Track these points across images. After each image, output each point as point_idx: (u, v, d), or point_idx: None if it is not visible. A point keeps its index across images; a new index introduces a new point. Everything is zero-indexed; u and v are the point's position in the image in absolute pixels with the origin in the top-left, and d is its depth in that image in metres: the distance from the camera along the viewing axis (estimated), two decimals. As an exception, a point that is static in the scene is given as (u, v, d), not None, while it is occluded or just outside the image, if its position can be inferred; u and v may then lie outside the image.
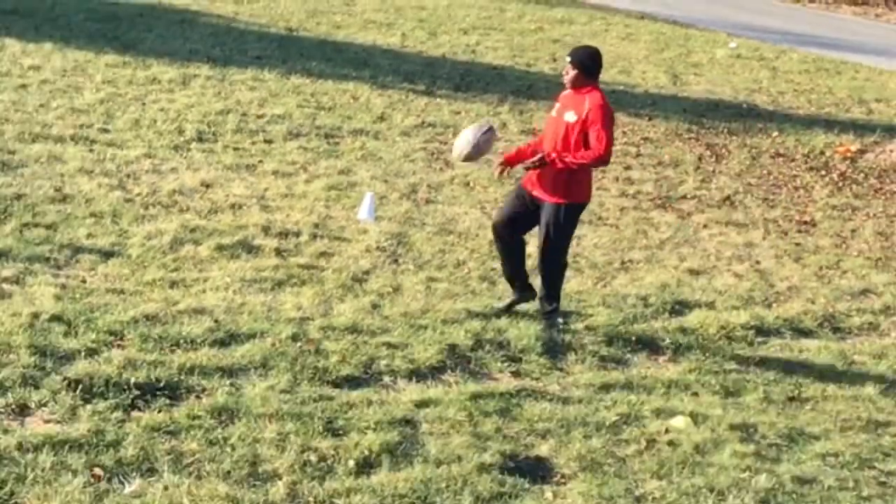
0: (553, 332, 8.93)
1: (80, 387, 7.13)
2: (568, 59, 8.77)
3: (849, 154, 16.23)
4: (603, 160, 8.57)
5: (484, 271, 10.11)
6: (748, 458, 7.58)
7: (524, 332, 8.89)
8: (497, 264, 10.33)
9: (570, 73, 8.65)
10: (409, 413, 7.50)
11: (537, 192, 8.81)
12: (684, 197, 13.39)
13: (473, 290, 9.63)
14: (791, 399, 8.67)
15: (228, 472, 6.55)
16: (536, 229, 8.97)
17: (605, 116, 8.50)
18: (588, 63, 8.68)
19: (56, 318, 7.95)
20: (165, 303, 8.53)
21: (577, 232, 11.55)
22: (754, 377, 8.91)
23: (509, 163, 9.02)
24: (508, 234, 9.01)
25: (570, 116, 8.60)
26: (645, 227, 12.14)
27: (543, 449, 7.35)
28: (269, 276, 9.31)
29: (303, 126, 13.77)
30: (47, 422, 6.81)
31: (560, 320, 9.12)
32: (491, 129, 8.97)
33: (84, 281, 8.78)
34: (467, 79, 17.44)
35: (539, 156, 8.66)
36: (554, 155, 8.60)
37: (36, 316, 7.93)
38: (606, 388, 8.34)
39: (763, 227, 12.70)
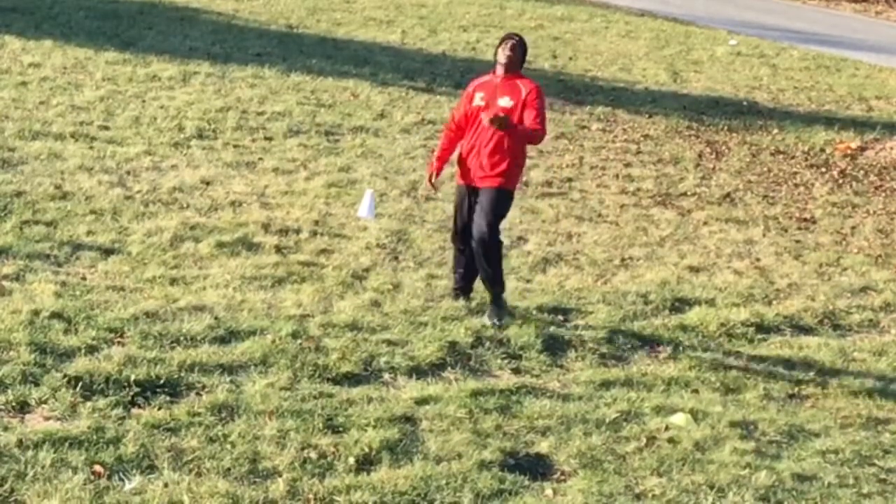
0: (505, 318, 8.96)
1: (81, 384, 7.13)
2: (514, 39, 8.90)
3: (849, 151, 16.22)
4: (543, 137, 8.91)
5: (484, 268, 10.10)
6: (748, 456, 7.58)
7: (524, 329, 8.89)
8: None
9: (512, 53, 8.82)
10: (409, 410, 7.50)
11: (476, 181, 8.89)
12: (684, 194, 13.39)
13: (473, 287, 9.63)
14: (791, 396, 8.68)
15: (228, 469, 6.55)
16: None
17: (541, 98, 8.78)
18: (524, 50, 8.94)
19: (56, 316, 7.96)
20: (165, 300, 8.53)
21: (577, 229, 11.63)
22: (754, 374, 8.92)
23: (439, 170, 9.28)
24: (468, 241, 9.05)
25: (506, 102, 8.72)
26: (645, 224, 12.14)
27: (543, 446, 7.35)
28: (270, 274, 9.31)
29: (303, 123, 13.77)
30: (47, 419, 6.81)
31: (509, 309, 9.15)
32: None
33: (84, 278, 8.78)
34: (467, 76, 17.39)
35: (505, 115, 8.61)
36: (516, 123, 8.70)
37: (36, 313, 7.94)
38: (606, 385, 8.34)
39: (763, 224, 12.69)
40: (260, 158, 12.30)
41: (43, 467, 6.28)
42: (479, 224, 8.85)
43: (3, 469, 6.22)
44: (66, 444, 6.50)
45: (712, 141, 15.84)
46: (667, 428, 7.79)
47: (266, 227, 10.31)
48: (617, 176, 13.67)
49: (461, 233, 9.11)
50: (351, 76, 16.21)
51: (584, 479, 7.02)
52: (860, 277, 11.39)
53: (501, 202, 8.93)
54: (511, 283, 9.83)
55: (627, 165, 14.16)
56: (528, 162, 13.57)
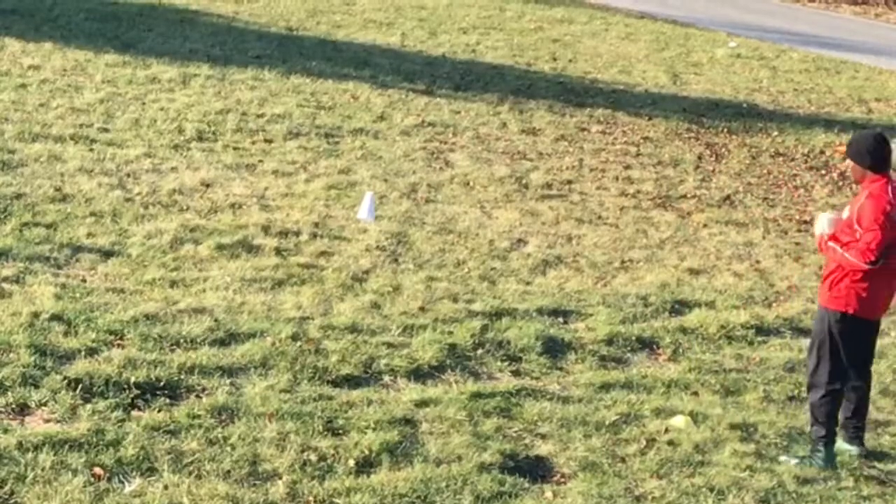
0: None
1: (80, 386, 7.13)
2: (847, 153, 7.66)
3: (849, 153, 16.21)
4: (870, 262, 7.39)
5: (484, 270, 10.11)
6: (748, 458, 7.58)
7: (524, 331, 8.89)
8: (497, 263, 10.36)
9: (848, 165, 7.72)
10: (409, 412, 7.50)
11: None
12: (684, 196, 13.39)
13: (473, 289, 9.63)
14: (791, 398, 8.67)
15: (228, 471, 6.55)
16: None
17: (873, 210, 7.36)
18: (864, 152, 7.51)
19: (56, 318, 7.95)
20: (165, 302, 8.53)
21: (577, 231, 11.62)
22: (754, 376, 8.91)
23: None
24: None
25: (845, 212, 7.64)
26: (645, 226, 12.14)
27: (543, 448, 7.35)
28: (269, 276, 9.31)
29: (303, 125, 13.77)
30: (47, 421, 6.81)
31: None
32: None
33: (84, 280, 8.78)
34: (467, 78, 17.44)
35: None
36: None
37: (36, 315, 7.93)
38: (606, 387, 8.34)
39: (763, 226, 12.69)
40: (260, 161, 12.30)
41: (43, 469, 6.28)
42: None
43: (3, 471, 6.21)
44: (66, 447, 6.50)
45: (712, 143, 15.85)
46: (667, 430, 7.79)
47: (266, 230, 10.31)
48: (617, 178, 13.66)
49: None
50: (351, 78, 16.21)
51: (583, 481, 7.02)
52: (860, 280, 11.37)
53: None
54: (511, 286, 9.84)
55: (627, 167, 14.16)
56: (527, 164, 13.69)
